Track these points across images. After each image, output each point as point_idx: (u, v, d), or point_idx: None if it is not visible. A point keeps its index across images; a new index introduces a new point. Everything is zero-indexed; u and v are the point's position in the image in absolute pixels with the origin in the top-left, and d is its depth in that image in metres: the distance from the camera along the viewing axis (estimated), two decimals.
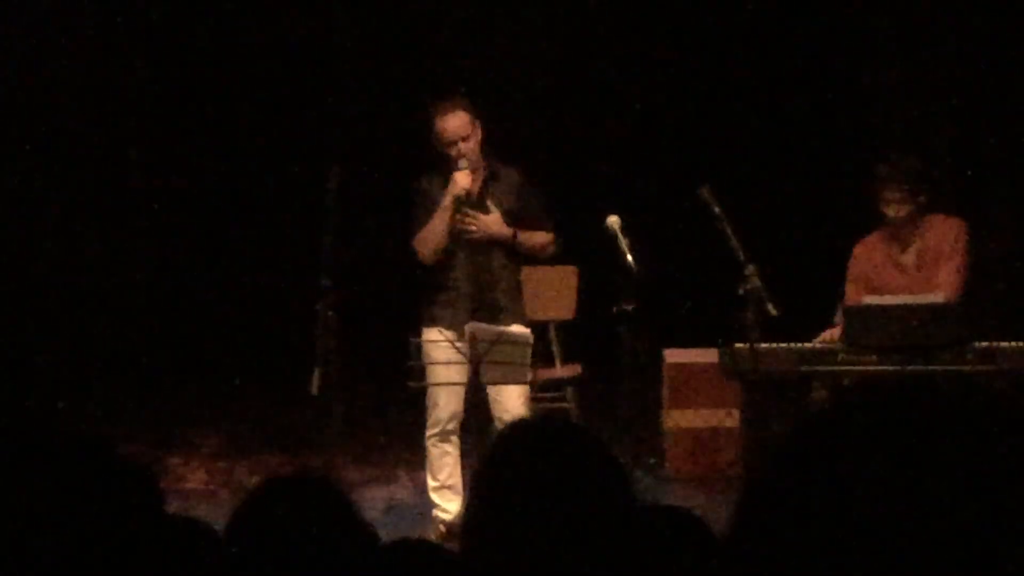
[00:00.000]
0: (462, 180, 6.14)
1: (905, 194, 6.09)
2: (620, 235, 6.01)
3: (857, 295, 6.27)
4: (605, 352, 6.95)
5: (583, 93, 9.52)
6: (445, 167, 6.19)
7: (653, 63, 9.45)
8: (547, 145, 9.40)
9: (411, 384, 6.08)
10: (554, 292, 7.29)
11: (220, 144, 9.54)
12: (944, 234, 6.19)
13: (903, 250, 6.24)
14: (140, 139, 9.55)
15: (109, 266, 9.50)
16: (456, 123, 6.15)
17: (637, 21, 9.44)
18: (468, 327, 5.89)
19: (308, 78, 9.61)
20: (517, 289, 6.35)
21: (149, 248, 9.59)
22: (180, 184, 9.55)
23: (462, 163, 6.13)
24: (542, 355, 6.15)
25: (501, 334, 5.92)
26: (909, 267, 6.23)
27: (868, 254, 6.32)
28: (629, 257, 5.95)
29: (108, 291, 9.51)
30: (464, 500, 6.15)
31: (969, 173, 8.44)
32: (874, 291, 6.21)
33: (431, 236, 6.20)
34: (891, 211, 6.11)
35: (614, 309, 6.01)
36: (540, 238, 6.31)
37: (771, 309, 5.66)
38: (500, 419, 6.06)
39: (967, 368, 5.80)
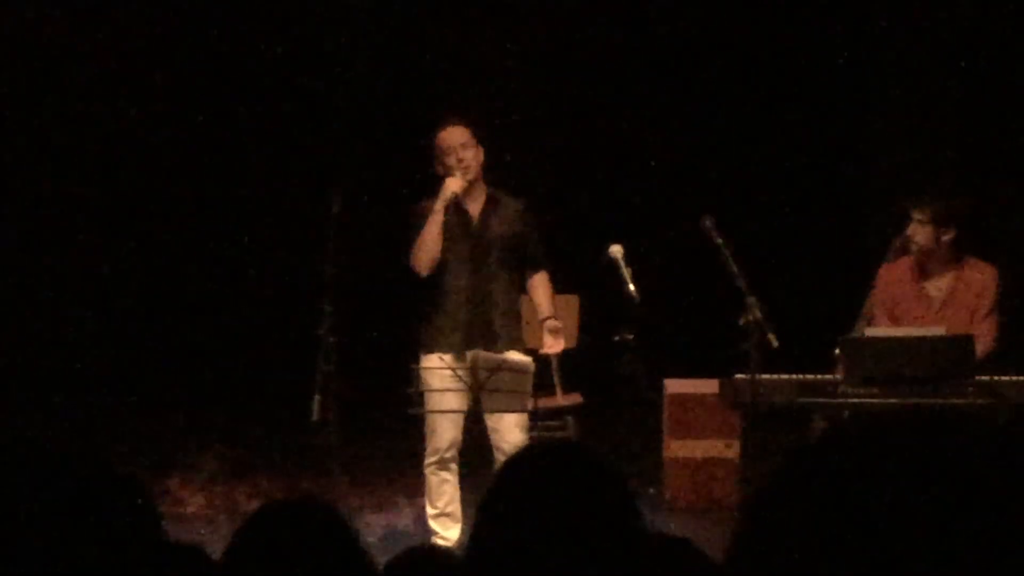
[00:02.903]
0: (452, 184, 6.14)
1: (938, 232, 6.11)
2: (622, 264, 6.02)
3: (883, 318, 6.28)
4: (606, 381, 6.95)
5: (586, 123, 9.53)
6: (442, 184, 6.21)
7: (657, 93, 9.47)
8: (550, 174, 9.42)
9: (410, 411, 6.07)
10: None
11: (221, 169, 9.55)
12: (979, 282, 6.22)
13: (931, 284, 6.25)
14: (141, 162, 9.55)
15: (110, 288, 9.50)
16: (457, 133, 6.19)
17: (641, 50, 9.47)
18: (470, 354, 5.89)
19: (310, 102, 9.63)
20: (516, 316, 6.33)
21: (150, 270, 9.59)
22: (182, 207, 9.57)
23: (458, 174, 6.15)
24: (542, 384, 6.14)
25: (503, 362, 5.91)
26: (934, 302, 6.24)
27: (893, 279, 6.33)
28: (631, 286, 5.95)
29: (109, 313, 9.51)
30: (463, 527, 6.14)
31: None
32: (894, 319, 6.23)
33: (425, 243, 6.17)
34: (926, 259, 6.16)
35: (615, 338, 6.02)
36: (549, 288, 6.36)
37: (772, 340, 5.66)
38: (499, 448, 6.05)
39: (967, 401, 5.79)
